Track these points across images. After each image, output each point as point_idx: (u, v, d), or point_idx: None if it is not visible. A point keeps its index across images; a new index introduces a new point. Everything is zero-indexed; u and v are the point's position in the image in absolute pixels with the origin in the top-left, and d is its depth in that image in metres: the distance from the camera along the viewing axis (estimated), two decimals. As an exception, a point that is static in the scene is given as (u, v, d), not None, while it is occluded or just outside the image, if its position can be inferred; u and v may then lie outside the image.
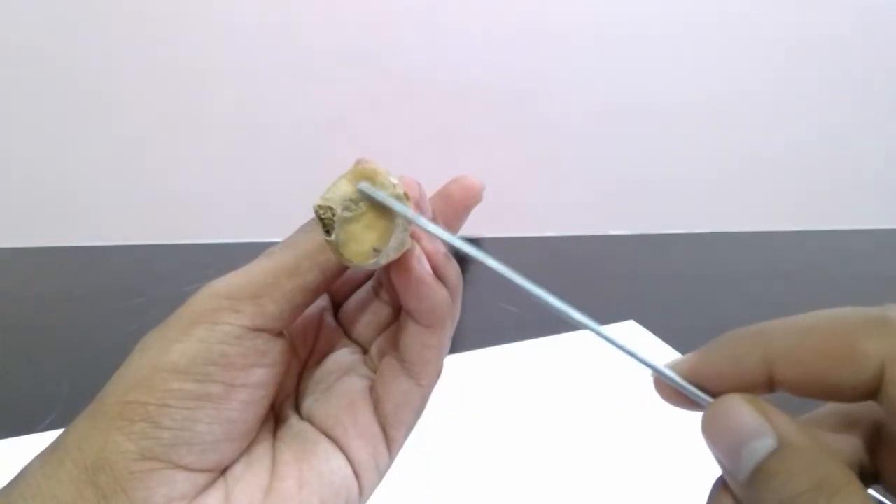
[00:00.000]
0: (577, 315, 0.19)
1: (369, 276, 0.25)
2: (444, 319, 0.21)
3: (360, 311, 0.24)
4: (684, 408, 0.19)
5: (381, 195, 0.19)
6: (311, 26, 0.83)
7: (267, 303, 0.20)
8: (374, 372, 0.23)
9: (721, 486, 0.18)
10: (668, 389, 0.19)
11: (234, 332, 0.19)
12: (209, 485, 0.20)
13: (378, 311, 0.24)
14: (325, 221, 0.18)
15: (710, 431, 0.18)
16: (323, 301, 0.25)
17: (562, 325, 0.59)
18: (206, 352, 0.19)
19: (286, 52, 0.83)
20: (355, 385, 0.23)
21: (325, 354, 0.24)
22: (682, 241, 0.88)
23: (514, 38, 0.88)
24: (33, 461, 0.19)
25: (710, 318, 0.65)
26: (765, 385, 0.18)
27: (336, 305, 0.25)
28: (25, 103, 0.81)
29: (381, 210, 0.19)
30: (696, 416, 0.20)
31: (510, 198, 0.94)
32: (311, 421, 0.22)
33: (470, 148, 0.93)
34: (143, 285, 0.66)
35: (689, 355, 0.19)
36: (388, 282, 0.22)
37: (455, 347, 0.56)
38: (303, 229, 0.21)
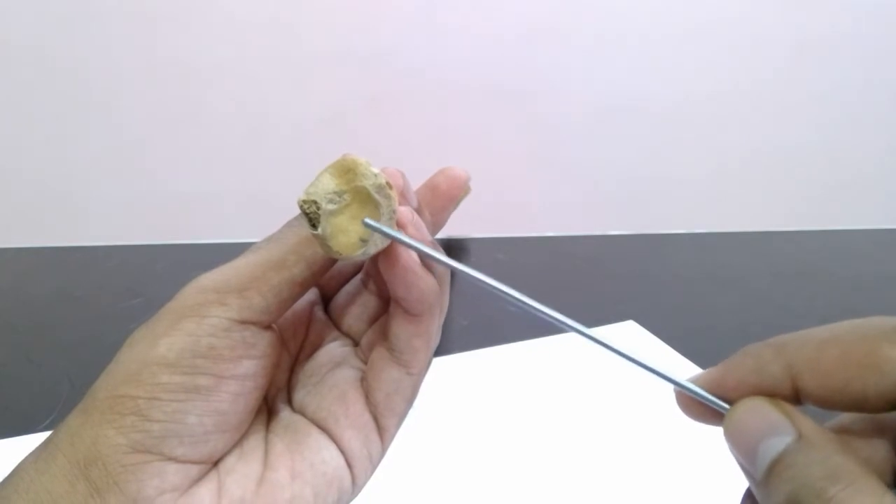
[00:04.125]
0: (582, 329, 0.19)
1: (358, 269, 0.25)
2: (432, 308, 0.21)
3: (350, 304, 0.25)
4: (708, 423, 0.19)
5: (385, 229, 0.19)
6: (311, 26, 0.83)
7: (254, 296, 0.20)
8: (365, 363, 0.23)
9: (747, 499, 0.18)
10: (692, 404, 0.19)
11: (222, 325, 0.19)
12: (201, 476, 0.20)
13: (367, 303, 0.24)
14: (311, 216, 0.19)
15: (731, 432, 0.17)
16: (312, 295, 0.25)
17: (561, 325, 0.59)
18: (193, 345, 0.19)
19: (285, 52, 0.83)
20: (346, 376, 0.23)
21: (315, 348, 0.24)
22: (682, 241, 0.88)
23: (513, 39, 0.88)
24: (27, 457, 0.19)
25: (711, 318, 0.65)
26: (788, 396, 0.18)
27: (326, 299, 0.26)
28: (25, 103, 0.81)
29: (365, 200, 0.19)
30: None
31: (510, 198, 0.94)
32: (303, 413, 0.23)
33: (469, 147, 0.94)
34: (143, 285, 0.66)
35: (710, 369, 0.19)
36: (377, 272, 0.22)
37: (455, 347, 0.56)
38: (289, 225, 0.21)
